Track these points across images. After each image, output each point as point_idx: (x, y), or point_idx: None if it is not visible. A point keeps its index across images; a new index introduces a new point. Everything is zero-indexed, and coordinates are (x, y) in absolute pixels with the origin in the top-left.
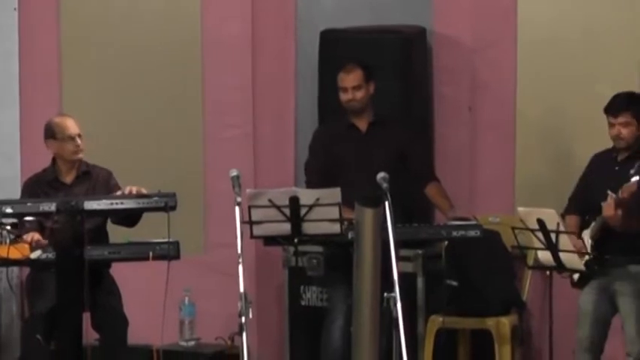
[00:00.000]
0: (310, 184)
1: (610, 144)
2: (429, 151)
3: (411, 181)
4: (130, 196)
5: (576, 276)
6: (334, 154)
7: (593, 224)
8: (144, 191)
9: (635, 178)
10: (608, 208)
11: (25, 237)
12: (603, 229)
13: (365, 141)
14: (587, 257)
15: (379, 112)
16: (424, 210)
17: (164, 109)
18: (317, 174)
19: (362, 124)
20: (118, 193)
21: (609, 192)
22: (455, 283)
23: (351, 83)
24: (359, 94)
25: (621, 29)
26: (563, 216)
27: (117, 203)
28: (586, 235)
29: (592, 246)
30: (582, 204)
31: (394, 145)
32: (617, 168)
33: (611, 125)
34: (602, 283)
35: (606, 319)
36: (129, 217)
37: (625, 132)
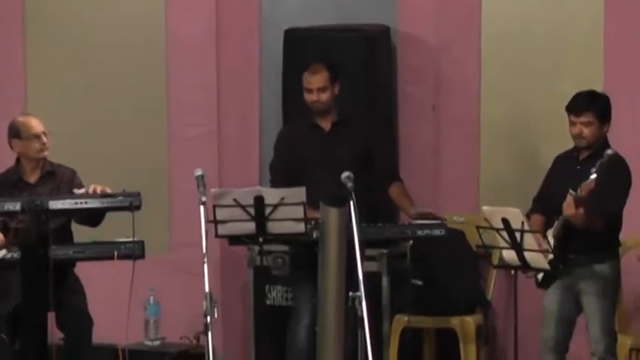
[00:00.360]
0: (274, 184)
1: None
2: (393, 150)
3: (376, 180)
4: (94, 195)
5: (540, 276)
6: (298, 154)
7: (555, 223)
8: (108, 190)
9: (593, 176)
10: (568, 206)
11: None
12: (565, 229)
13: (328, 140)
14: (550, 257)
15: (344, 111)
16: (389, 209)
17: (128, 108)
18: (281, 174)
19: (325, 124)
20: (81, 191)
21: (570, 190)
22: (420, 283)
23: (317, 85)
24: (324, 96)
25: (585, 26)
26: (528, 216)
27: (81, 203)
28: (549, 234)
29: (555, 245)
30: (546, 204)
31: (358, 143)
32: (578, 167)
33: (572, 124)
34: (567, 282)
35: (571, 319)
36: (92, 217)
37: (586, 131)
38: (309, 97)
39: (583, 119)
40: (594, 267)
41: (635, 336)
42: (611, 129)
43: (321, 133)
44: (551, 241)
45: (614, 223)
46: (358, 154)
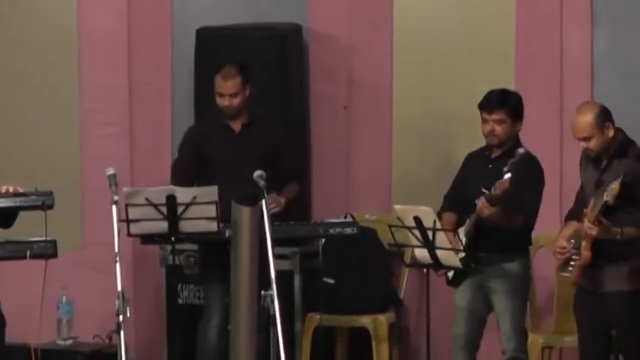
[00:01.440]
0: (173, 180)
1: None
2: (299, 153)
3: (282, 180)
4: (6, 194)
5: (451, 274)
6: (206, 154)
7: (467, 221)
8: (20, 190)
9: (507, 176)
10: (484, 208)
11: None
12: (477, 227)
13: (237, 141)
14: (461, 254)
15: (255, 112)
16: (300, 208)
17: (40, 106)
18: (182, 172)
19: (236, 125)
20: None
21: (483, 189)
22: (332, 281)
23: (229, 91)
24: (235, 101)
25: (497, 25)
26: (439, 214)
27: None
28: (461, 232)
29: (466, 243)
30: (457, 202)
31: (266, 146)
32: (490, 166)
33: (485, 121)
34: (477, 280)
35: (482, 317)
36: (5, 217)
37: (499, 129)
38: (221, 102)
39: (495, 117)
40: (504, 265)
41: (547, 334)
42: (522, 128)
43: (230, 134)
44: (463, 239)
45: (531, 222)
46: (266, 155)
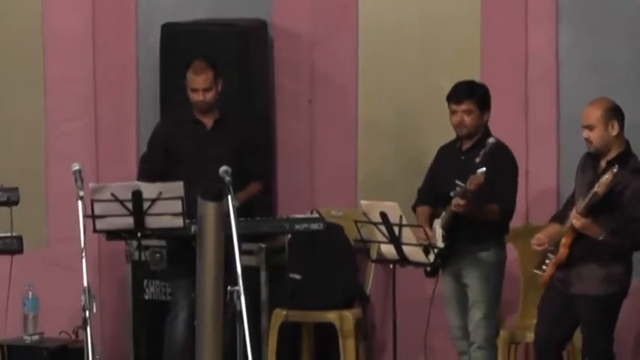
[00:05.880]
0: (141, 174)
1: (452, 134)
2: (267, 153)
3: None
4: None
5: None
6: (176, 148)
7: (443, 214)
8: None
9: (481, 170)
10: (456, 201)
11: None
12: (453, 219)
13: (209, 137)
14: (440, 246)
15: (225, 108)
16: (266, 204)
17: (5, 101)
18: (151, 166)
19: (208, 121)
20: None
21: (457, 182)
22: (298, 277)
23: (202, 85)
24: (209, 96)
25: (462, 20)
26: (414, 208)
27: None
28: (437, 224)
29: (444, 235)
30: (432, 195)
31: (235, 143)
32: (463, 157)
33: (453, 112)
34: (454, 270)
35: (468, 305)
36: None
37: (467, 119)
38: (195, 97)
39: (464, 107)
40: (479, 255)
41: (513, 329)
42: (489, 124)
43: (202, 130)
44: (440, 231)
45: (507, 210)
46: (235, 153)
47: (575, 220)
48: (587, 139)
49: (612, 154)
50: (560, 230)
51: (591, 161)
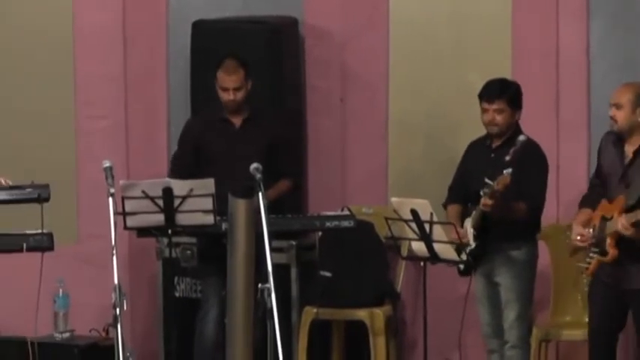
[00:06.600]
0: (173, 173)
1: (482, 132)
2: (297, 151)
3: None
4: (2, 187)
5: (462, 265)
6: (205, 146)
7: (473, 213)
8: (2, 181)
9: (507, 171)
10: (484, 201)
11: None
12: (483, 219)
13: (238, 136)
14: (471, 246)
15: (254, 106)
16: (296, 201)
17: (36, 99)
18: (182, 164)
19: (237, 120)
20: None
21: (486, 180)
22: (329, 274)
23: (233, 85)
24: (239, 95)
25: (493, 16)
26: (445, 206)
27: None
28: (468, 223)
29: (475, 235)
30: (462, 192)
31: (265, 141)
32: (492, 155)
33: (484, 111)
34: (486, 269)
35: (500, 303)
36: None
37: (499, 118)
38: (225, 96)
39: (495, 106)
40: (510, 253)
41: (545, 327)
42: (520, 119)
43: (231, 129)
44: (471, 230)
45: (536, 208)
46: (264, 152)
47: (625, 230)
48: (612, 117)
49: (638, 142)
50: (593, 215)
51: (614, 141)
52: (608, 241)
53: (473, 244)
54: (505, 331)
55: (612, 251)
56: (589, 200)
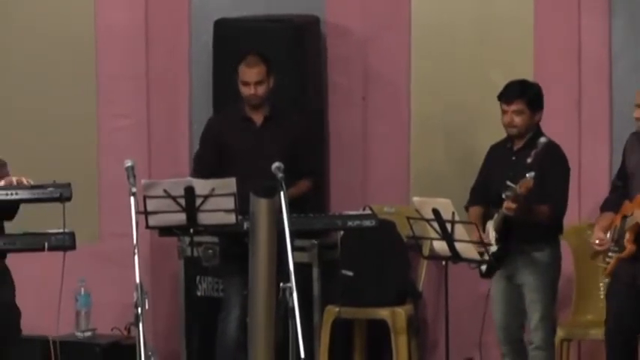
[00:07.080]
0: (196, 172)
1: (504, 133)
2: (318, 151)
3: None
4: (24, 186)
5: (484, 267)
6: (226, 145)
7: (495, 216)
8: (24, 181)
9: (530, 174)
10: (506, 204)
11: None
12: (505, 222)
13: (259, 134)
14: (493, 248)
15: (276, 105)
16: (317, 201)
17: (57, 98)
18: (204, 164)
19: (258, 117)
20: (1, 183)
21: (507, 182)
22: (350, 274)
23: (254, 78)
24: (261, 90)
25: (515, 16)
26: (467, 208)
27: (11, 194)
28: (490, 226)
29: (497, 237)
30: (484, 195)
31: (286, 140)
32: (514, 158)
33: (504, 112)
34: (509, 271)
35: (518, 307)
36: (6, 209)
37: (518, 120)
38: (246, 91)
39: (514, 107)
40: (533, 255)
41: (566, 327)
42: (542, 119)
43: (252, 127)
44: (493, 233)
45: (559, 210)
46: (285, 150)
47: None
48: (637, 119)
49: None
50: (615, 219)
51: None
52: (627, 236)
53: (495, 247)
54: (531, 332)
55: (630, 247)
56: (611, 203)
